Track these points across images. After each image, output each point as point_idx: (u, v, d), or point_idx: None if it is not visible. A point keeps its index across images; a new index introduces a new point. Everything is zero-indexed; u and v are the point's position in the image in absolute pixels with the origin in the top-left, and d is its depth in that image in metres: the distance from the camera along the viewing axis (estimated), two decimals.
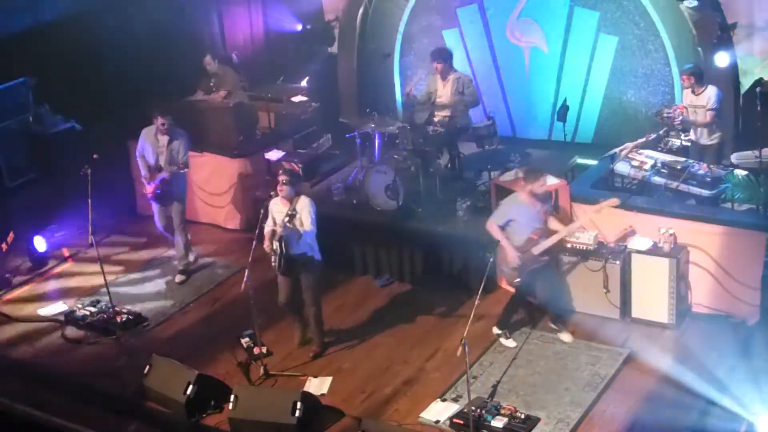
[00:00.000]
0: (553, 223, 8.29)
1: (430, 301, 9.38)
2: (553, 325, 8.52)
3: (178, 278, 10.27)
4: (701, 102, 9.21)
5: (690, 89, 9.31)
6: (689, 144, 9.48)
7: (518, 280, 8.26)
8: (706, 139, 9.35)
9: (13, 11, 11.61)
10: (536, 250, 8.12)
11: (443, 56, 10.38)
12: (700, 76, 9.25)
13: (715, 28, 9.88)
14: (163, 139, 9.78)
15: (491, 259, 7.50)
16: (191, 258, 10.48)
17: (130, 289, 10.17)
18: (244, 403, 7.62)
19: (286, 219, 8.06)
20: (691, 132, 9.43)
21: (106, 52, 12.17)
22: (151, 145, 9.86)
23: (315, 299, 8.52)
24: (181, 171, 9.84)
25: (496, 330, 8.53)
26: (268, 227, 8.38)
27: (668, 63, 10.55)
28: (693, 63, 9.61)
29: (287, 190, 8.22)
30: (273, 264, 8.35)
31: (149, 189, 9.92)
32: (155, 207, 10.11)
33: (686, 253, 8.42)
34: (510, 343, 8.46)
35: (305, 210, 8.22)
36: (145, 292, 10.11)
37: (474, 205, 9.76)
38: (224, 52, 12.41)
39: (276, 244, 8.20)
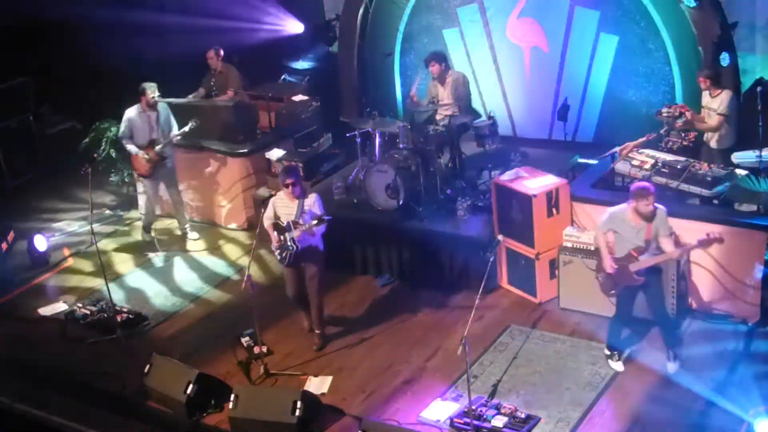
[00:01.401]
0: (664, 243, 7.66)
1: (431, 300, 9.38)
2: (607, 351, 8.11)
3: (194, 235, 11.02)
4: (714, 105, 9.20)
5: (707, 91, 9.29)
6: (690, 144, 9.46)
7: (613, 292, 7.95)
8: (715, 143, 9.33)
9: (14, 11, 11.63)
10: (633, 267, 7.70)
11: (438, 59, 10.48)
12: (716, 79, 9.23)
13: (715, 27, 9.88)
14: (153, 114, 10.35)
15: (492, 259, 7.49)
16: (193, 236, 11.08)
17: (130, 288, 10.18)
18: (244, 403, 7.62)
19: (314, 222, 8.10)
20: (706, 134, 9.42)
21: (106, 52, 12.19)
22: (141, 123, 10.37)
23: (319, 289, 8.59)
24: (188, 130, 10.51)
25: (606, 351, 8.05)
26: (267, 220, 8.45)
27: (669, 62, 10.54)
28: (710, 65, 9.59)
29: (297, 190, 8.33)
30: (278, 258, 8.44)
31: (147, 167, 10.48)
32: (151, 184, 10.71)
33: (687, 253, 8.41)
34: (618, 366, 7.95)
35: (316, 206, 8.35)
36: (146, 291, 10.11)
37: (474, 204, 9.75)
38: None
39: (285, 238, 8.29)
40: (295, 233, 8.24)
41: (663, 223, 7.64)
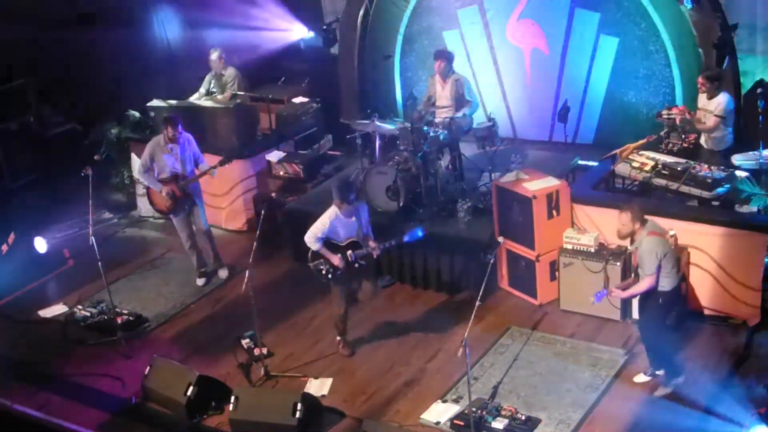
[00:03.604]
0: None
1: (431, 302, 9.38)
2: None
3: (200, 281, 10.12)
4: (711, 107, 9.18)
5: (705, 93, 9.26)
6: (691, 146, 9.46)
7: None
8: (712, 145, 9.31)
9: (15, 12, 11.63)
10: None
11: (445, 56, 10.45)
12: (718, 81, 9.21)
13: (716, 28, 9.87)
14: (176, 147, 9.58)
15: (491, 260, 7.48)
16: (222, 275, 10.22)
17: (130, 289, 10.17)
18: (244, 404, 7.62)
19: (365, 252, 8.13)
20: (702, 136, 9.41)
21: (107, 53, 12.19)
22: (165, 155, 9.59)
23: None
24: (212, 173, 9.66)
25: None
26: (318, 242, 8.13)
27: (669, 64, 10.54)
28: (712, 67, 9.57)
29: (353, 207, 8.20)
30: (329, 277, 8.26)
31: (168, 203, 9.69)
32: (177, 220, 9.90)
33: (687, 255, 8.41)
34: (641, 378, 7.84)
35: (366, 215, 8.32)
36: (146, 292, 10.11)
37: (475, 206, 9.75)
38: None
39: (350, 257, 8.15)
40: (375, 252, 8.19)
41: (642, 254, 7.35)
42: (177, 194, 9.66)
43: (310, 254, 8.30)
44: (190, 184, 9.74)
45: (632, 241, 7.51)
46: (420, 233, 8.26)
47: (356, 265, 8.21)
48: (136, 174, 9.82)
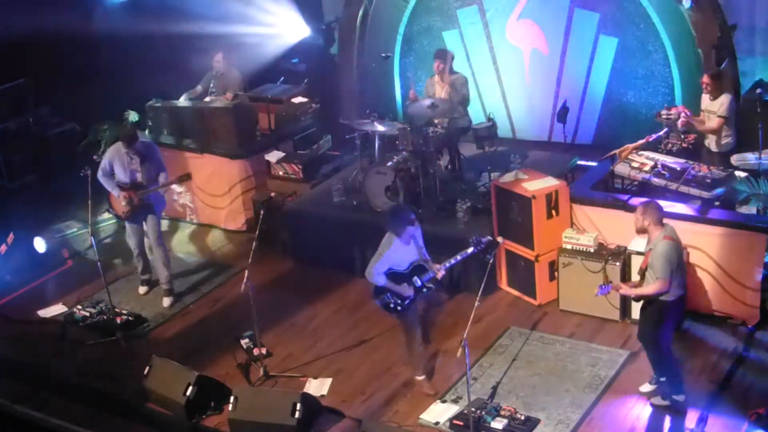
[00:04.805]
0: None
1: (430, 302, 9.37)
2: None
3: (166, 302, 9.76)
4: (714, 108, 9.20)
5: (709, 94, 9.27)
6: (690, 146, 9.47)
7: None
8: (714, 146, 9.33)
9: (15, 13, 11.62)
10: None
11: (446, 57, 10.42)
12: (721, 82, 9.21)
13: (715, 29, 9.88)
14: (137, 158, 9.32)
15: (491, 261, 7.49)
16: (165, 303, 9.79)
17: (130, 289, 10.16)
18: (243, 404, 7.62)
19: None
20: (706, 137, 9.41)
21: (107, 53, 12.18)
22: (124, 163, 9.35)
23: None
24: (161, 190, 9.48)
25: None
26: (382, 277, 7.67)
27: (668, 64, 10.55)
28: (714, 67, 9.58)
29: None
30: (400, 308, 7.79)
31: (126, 209, 9.48)
32: (128, 226, 9.72)
33: (686, 255, 8.41)
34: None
35: (420, 236, 7.93)
36: (145, 293, 10.10)
37: (474, 206, 9.75)
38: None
39: (418, 282, 7.80)
40: (439, 273, 7.81)
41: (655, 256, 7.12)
42: (135, 201, 9.42)
43: (373, 289, 7.88)
44: (151, 195, 9.43)
45: (648, 242, 7.30)
46: (485, 241, 7.90)
47: (424, 290, 7.87)
48: (98, 176, 9.48)
